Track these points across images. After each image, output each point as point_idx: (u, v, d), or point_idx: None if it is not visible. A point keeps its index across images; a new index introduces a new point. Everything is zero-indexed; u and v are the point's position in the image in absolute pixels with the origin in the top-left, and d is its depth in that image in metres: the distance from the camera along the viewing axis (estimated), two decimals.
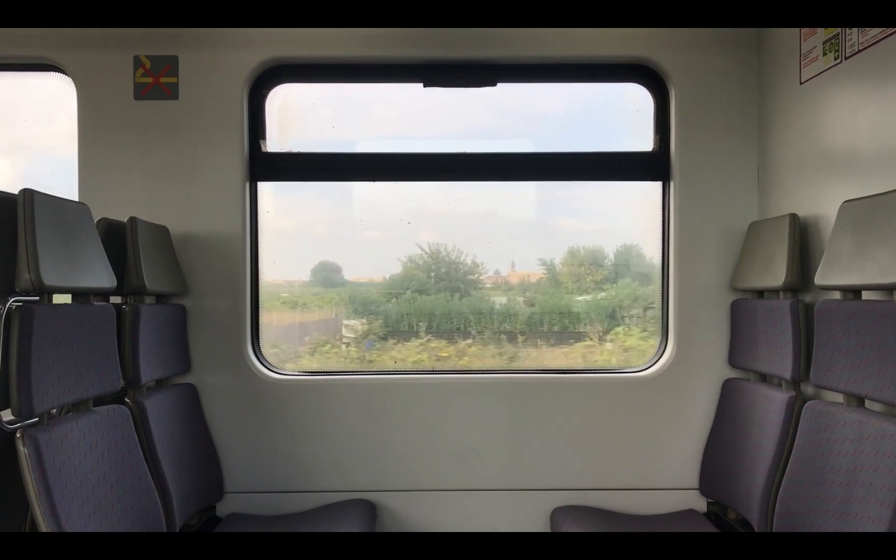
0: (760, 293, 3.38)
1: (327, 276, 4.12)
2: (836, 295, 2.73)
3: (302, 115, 3.91)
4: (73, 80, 3.57)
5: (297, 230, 3.99)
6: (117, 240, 3.08)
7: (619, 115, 3.96)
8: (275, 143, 3.78)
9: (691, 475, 3.64)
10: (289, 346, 3.98)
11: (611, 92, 3.95)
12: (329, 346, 4.06)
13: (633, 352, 3.94)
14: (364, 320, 4.09)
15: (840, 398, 2.69)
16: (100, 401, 2.72)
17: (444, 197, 3.94)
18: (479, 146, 3.79)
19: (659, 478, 3.65)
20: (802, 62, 3.17)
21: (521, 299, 4.09)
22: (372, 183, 3.87)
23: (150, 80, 3.57)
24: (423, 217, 4.00)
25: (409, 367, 3.95)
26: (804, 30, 3.14)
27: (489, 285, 4.13)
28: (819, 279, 2.75)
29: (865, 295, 2.63)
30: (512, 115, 3.96)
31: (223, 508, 3.61)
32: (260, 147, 3.71)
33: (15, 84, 3.85)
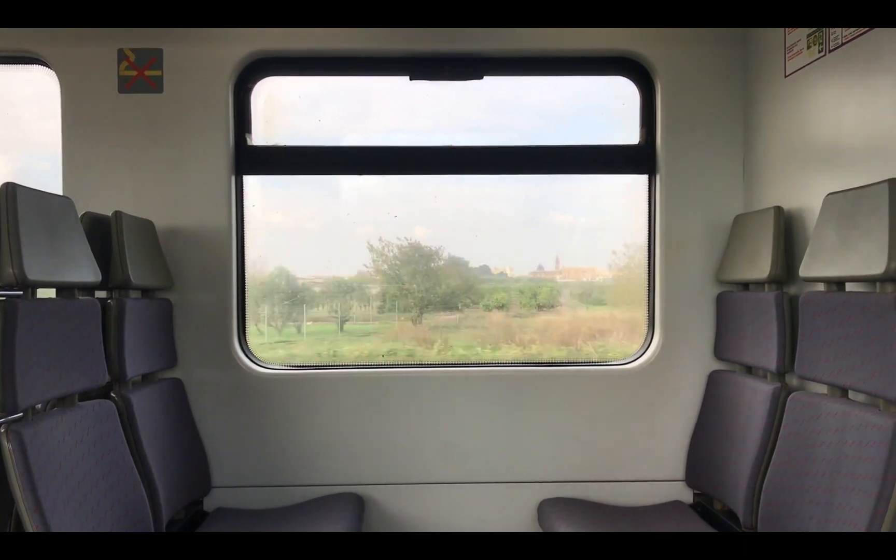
0: (746, 285, 3.40)
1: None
2: (821, 287, 2.75)
3: (288, 109, 3.89)
4: (57, 73, 3.53)
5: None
6: (102, 234, 3.06)
7: (606, 108, 3.97)
8: (261, 136, 3.76)
9: (677, 467, 3.66)
10: None
11: (600, 85, 3.95)
12: None
13: None
14: None
15: (824, 389, 2.72)
16: (85, 396, 2.71)
17: (436, 191, 3.94)
18: (465, 139, 3.79)
19: (645, 470, 3.67)
20: (787, 55, 3.18)
21: None
22: (360, 177, 3.87)
23: (134, 73, 3.54)
24: (414, 213, 4.00)
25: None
26: None
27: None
28: (803, 271, 2.77)
29: (849, 286, 2.65)
30: (500, 108, 3.96)
31: (210, 503, 3.60)
32: (245, 141, 3.70)
33: (16, 79, 3.82)
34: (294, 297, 4.12)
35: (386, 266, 4.08)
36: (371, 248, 4.02)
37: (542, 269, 4.20)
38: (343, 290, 4.16)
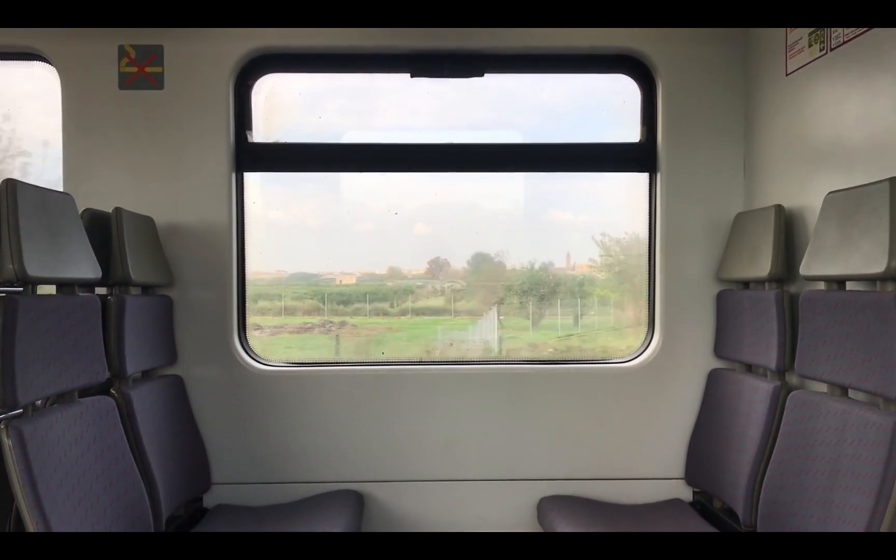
0: (746, 284, 3.40)
1: None
2: (821, 285, 2.75)
3: (289, 106, 3.89)
4: (57, 69, 3.53)
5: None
6: (102, 230, 3.06)
7: (607, 106, 3.97)
8: (261, 133, 3.76)
9: (677, 465, 3.66)
10: None
11: (601, 83, 3.95)
12: None
13: None
14: None
15: (824, 388, 2.71)
16: (85, 392, 2.71)
17: (435, 188, 3.94)
18: (467, 137, 3.79)
19: (645, 468, 3.67)
20: (788, 54, 3.18)
21: None
22: (360, 174, 3.87)
23: (134, 69, 3.54)
24: (412, 209, 3.99)
25: None
26: None
27: None
28: (804, 270, 2.76)
29: (849, 285, 2.65)
30: (502, 106, 3.95)
31: (210, 499, 3.60)
32: (246, 137, 3.69)
33: (19, 75, 3.82)
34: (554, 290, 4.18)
35: (611, 260, 4.16)
36: (597, 244, 4.09)
37: (552, 264, 4.19)
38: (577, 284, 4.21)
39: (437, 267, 4.12)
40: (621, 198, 3.96)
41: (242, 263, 3.72)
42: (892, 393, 2.28)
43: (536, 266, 4.17)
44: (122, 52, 3.53)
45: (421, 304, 4.18)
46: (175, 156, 3.55)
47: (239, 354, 3.63)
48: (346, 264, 4.14)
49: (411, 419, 3.64)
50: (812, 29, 2.99)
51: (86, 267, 2.67)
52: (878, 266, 2.33)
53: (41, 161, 3.81)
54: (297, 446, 3.63)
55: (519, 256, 4.14)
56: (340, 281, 4.20)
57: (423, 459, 3.65)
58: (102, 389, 2.86)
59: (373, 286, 4.18)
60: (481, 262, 4.13)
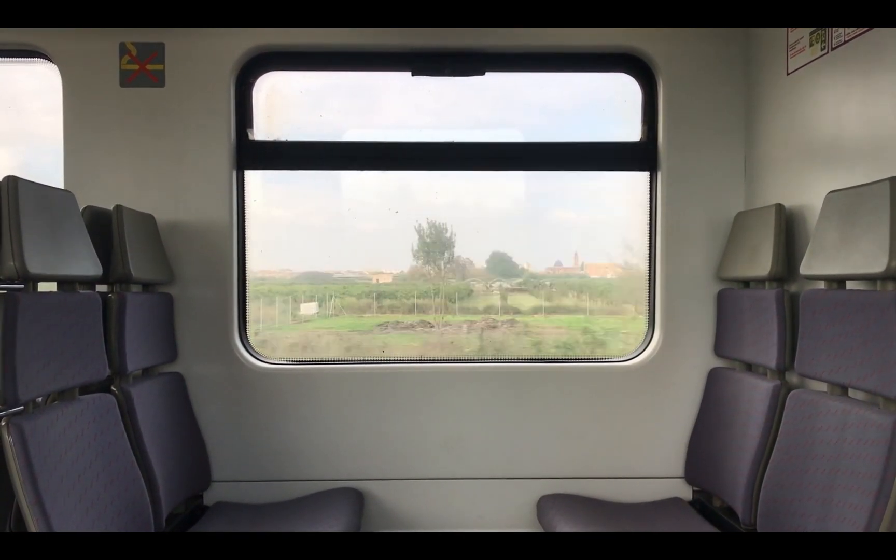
0: (746, 283, 3.40)
1: None
2: (821, 284, 2.75)
3: (289, 104, 3.89)
4: (58, 67, 3.53)
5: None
6: (103, 228, 3.07)
7: (608, 104, 3.96)
8: (262, 131, 3.76)
9: (677, 464, 3.66)
10: None
11: (602, 81, 3.94)
12: None
13: None
14: None
15: (824, 387, 2.71)
16: (86, 389, 2.71)
17: (436, 186, 3.94)
18: (467, 135, 3.78)
19: (645, 466, 3.67)
20: (789, 53, 3.18)
21: None
22: (360, 172, 3.88)
23: (136, 67, 3.54)
24: (412, 207, 3.99)
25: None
26: None
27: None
28: (804, 269, 2.76)
29: (850, 284, 2.65)
30: (503, 104, 3.95)
31: (210, 497, 3.60)
32: (247, 135, 3.70)
33: (22, 73, 3.82)
34: None
35: None
36: None
37: (559, 264, 4.19)
38: None
39: (460, 266, 4.10)
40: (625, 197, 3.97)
41: (243, 261, 3.72)
42: (892, 392, 2.28)
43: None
44: (123, 49, 3.53)
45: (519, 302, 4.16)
46: (176, 153, 3.56)
47: (239, 352, 3.63)
48: (350, 263, 4.13)
49: (411, 417, 3.65)
50: (813, 28, 2.98)
51: (87, 264, 2.67)
52: (878, 265, 2.33)
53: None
54: (297, 444, 3.63)
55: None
56: (377, 280, 4.19)
57: (422, 457, 3.65)
58: (103, 387, 2.86)
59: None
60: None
